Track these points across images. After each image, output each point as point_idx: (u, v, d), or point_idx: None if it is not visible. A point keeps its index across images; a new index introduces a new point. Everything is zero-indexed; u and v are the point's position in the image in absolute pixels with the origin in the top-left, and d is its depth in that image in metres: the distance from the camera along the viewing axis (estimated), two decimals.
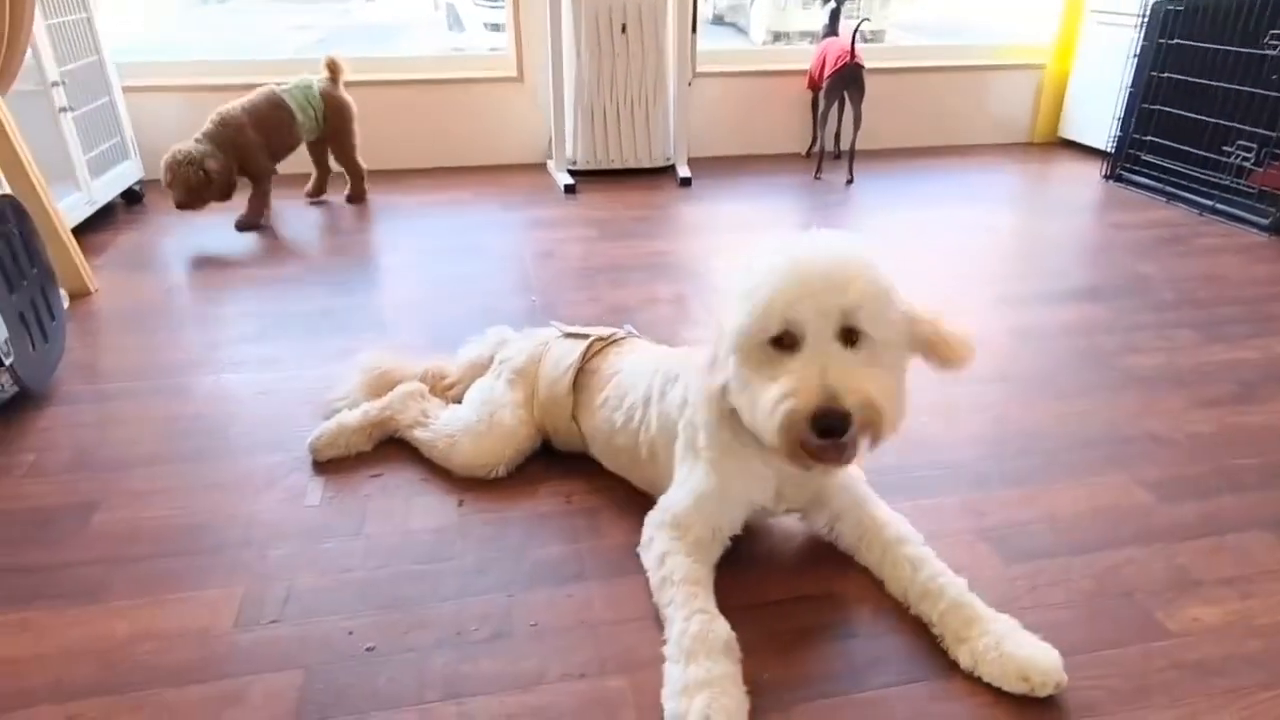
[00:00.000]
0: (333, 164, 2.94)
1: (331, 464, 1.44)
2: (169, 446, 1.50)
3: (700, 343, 1.09)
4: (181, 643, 1.06)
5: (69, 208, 2.36)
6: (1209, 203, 2.83)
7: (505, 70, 3.36)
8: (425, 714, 0.97)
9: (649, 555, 1.14)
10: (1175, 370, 1.77)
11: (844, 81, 3.09)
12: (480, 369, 1.54)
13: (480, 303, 2.12)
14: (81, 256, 2.14)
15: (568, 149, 3.24)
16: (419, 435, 1.44)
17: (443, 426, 1.42)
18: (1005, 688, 0.97)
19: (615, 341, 1.42)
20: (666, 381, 1.25)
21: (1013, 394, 1.68)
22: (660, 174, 3.31)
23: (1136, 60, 3.11)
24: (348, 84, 2.87)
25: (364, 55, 3.41)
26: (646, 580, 1.13)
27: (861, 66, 3.06)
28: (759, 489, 1.13)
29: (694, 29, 3.20)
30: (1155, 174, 3.07)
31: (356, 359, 1.62)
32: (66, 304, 1.96)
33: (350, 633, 1.08)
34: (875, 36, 5.59)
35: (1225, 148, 2.81)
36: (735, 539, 1.17)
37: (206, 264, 2.41)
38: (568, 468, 1.43)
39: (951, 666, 1.02)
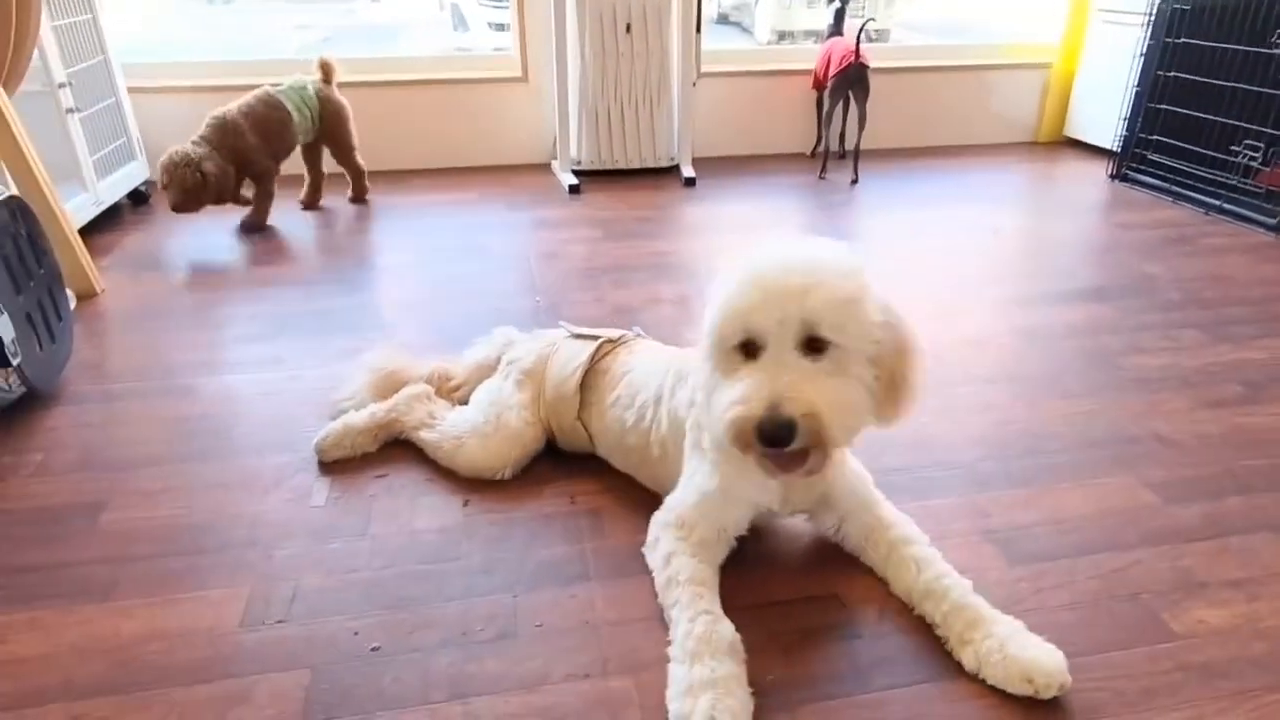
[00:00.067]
0: (332, 165, 2.93)
1: (337, 464, 1.45)
2: (175, 446, 1.50)
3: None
4: (188, 642, 1.07)
5: (76, 208, 2.37)
6: (1216, 202, 2.82)
7: (510, 70, 3.37)
8: (431, 714, 0.97)
9: (654, 555, 1.14)
10: (1181, 371, 1.77)
11: (849, 81, 3.08)
12: (486, 370, 1.55)
13: (485, 303, 2.12)
14: (88, 257, 2.15)
15: (572, 149, 3.25)
16: (425, 437, 1.44)
17: (449, 428, 1.43)
18: (1009, 690, 0.97)
19: (624, 343, 1.42)
20: (677, 380, 1.26)
21: (1018, 394, 1.68)
22: (664, 174, 3.31)
23: (1143, 59, 3.09)
24: (351, 84, 2.87)
25: (368, 55, 3.43)
26: (651, 581, 1.13)
27: (866, 66, 3.05)
28: (762, 490, 1.13)
29: (698, 29, 3.19)
30: (1162, 173, 3.06)
31: (362, 359, 1.63)
32: (73, 305, 1.97)
33: (356, 633, 1.09)
34: (880, 36, 5.57)
35: (1232, 147, 2.80)
36: (740, 539, 1.17)
37: (212, 264, 2.42)
38: (573, 468, 1.43)
39: (956, 668, 1.02)
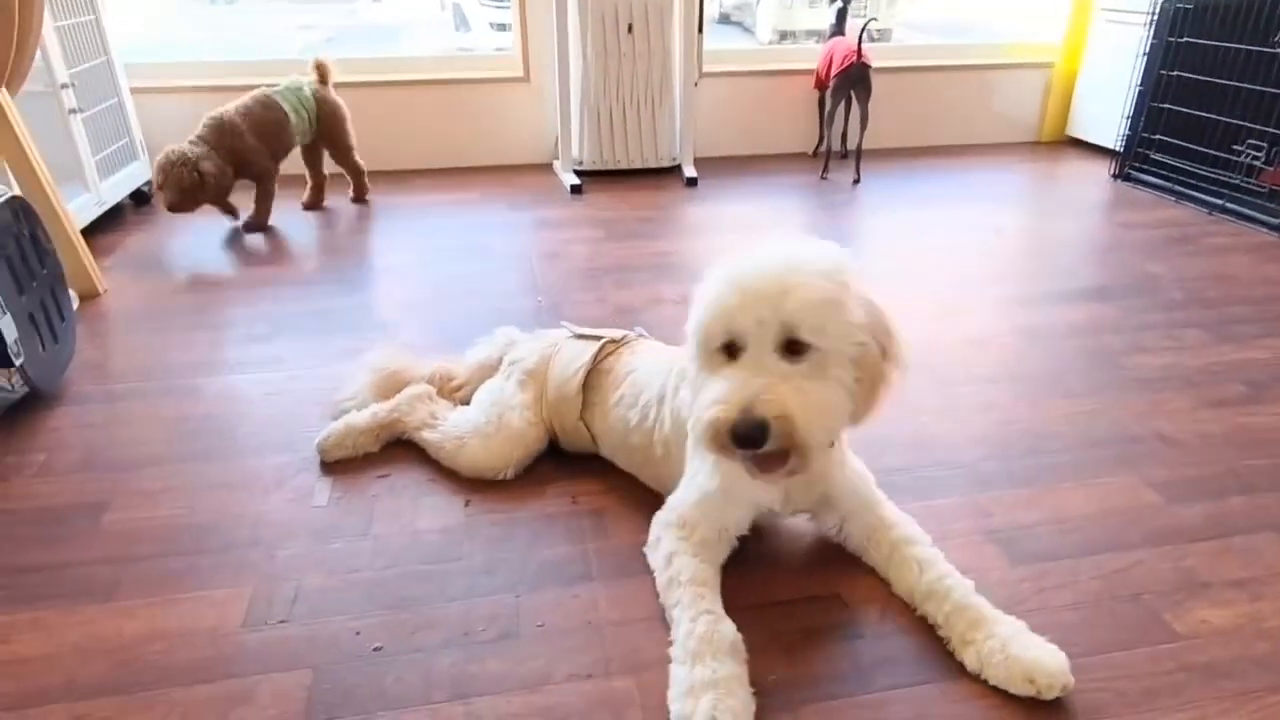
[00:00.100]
0: (333, 166, 2.93)
1: (339, 464, 1.45)
2: (178, 446, 1.50)
3: None
4: (190, 642, 1.07)
5: (78, 209, 2.37)
6: (1219, 202, 2.81)
7: (511, 70, 3.37)
8: (432, 714, 0.97)
9: (656, 555, 1.14)
10: (1184, 370, 1.77)
11: (851, 81, 3.08)
12: (488, 370, 1.55)
13: (487, 303, 2.12)
14: (91, 257, 2.16)
15: (574, 149, 3.25)
16: (427, 437, 1.44)
17: (451, 428, 1.43)
18: (1011, 690, 0.97)
19: (627, 343, 1.42)
20: (680, 380, 1.25)
21: (1020, 394, 1.68)
22: (666, 174, 3.31)
23: (1146, 59, 3.09)
24: (353, 84, 2.87)
25: (370, 55, 3.43)
26: (652, 580, 1.13)
27: (868, 66, 3.05)
28: (763, 490, 1.13)
29: (700, 29, 3.19)
30: (1164, 173, 3.06)
31: (365, 359, 1.63)
32: (76, 305, 1.98)
33: (358, 633, 1.09)
34: (882, 35, 5.57)
35: (1235, 146, 2.79)
36: (742, 539, 1.17)
37: (214, 264, 2.42)
38: (575, 468, 1.43)
39: (958, 669, 1.02)
